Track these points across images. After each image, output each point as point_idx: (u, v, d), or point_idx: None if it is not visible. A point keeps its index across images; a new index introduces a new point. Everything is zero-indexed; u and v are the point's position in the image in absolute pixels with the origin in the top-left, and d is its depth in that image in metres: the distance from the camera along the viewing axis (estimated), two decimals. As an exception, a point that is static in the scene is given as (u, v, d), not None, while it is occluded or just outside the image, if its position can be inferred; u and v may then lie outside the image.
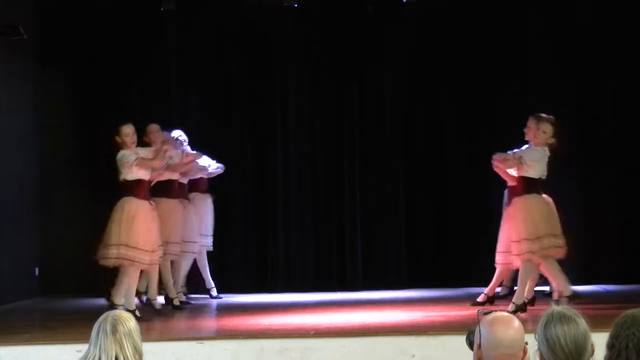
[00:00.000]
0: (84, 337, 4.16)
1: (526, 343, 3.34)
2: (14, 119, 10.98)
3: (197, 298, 10.59)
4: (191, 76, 11.74)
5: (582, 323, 3.30)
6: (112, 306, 8.58)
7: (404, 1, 11.34)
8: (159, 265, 9.30)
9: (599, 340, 3.38)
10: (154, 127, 9.79)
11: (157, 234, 9.01)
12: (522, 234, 8.67)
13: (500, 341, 3.29)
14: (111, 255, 8.77)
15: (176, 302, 9.77)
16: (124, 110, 11.66)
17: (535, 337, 3.32)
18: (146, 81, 11.69)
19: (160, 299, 9.74)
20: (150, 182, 9.27)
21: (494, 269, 11.65)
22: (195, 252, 10.43)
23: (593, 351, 3.30)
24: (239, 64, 11.69)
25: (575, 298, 8.62)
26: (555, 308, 3.34)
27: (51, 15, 11.61)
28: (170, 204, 9.88)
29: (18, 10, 10.97)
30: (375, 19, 11.53)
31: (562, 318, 3.29)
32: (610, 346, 3.38)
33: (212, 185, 11.02)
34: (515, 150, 9.04)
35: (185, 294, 10.34)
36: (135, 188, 8.98)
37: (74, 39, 11.55)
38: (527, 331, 3.33)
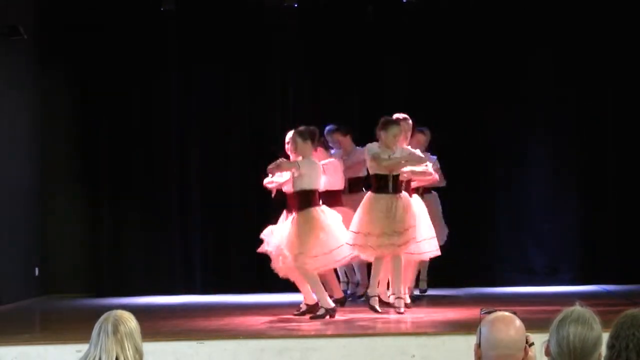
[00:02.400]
0: (84, 337, 4.16)
1: (532, 344, 3.33)
2: (14, 119, 10.98)
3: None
4: (191, 76, 11.74)
5: (598, 329, 3.29)
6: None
7: (404, 1, 11.34)
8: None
9: (599, 341, 3.38)
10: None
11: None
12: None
13: (499, 341, 3.29)
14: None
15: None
16: (124, 111, 11.70)
17: (549, 329, 3.32)
18: (146, 81, 11.69)
19: None
20: None
21: (494, 269, 11.70)
22: None
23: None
24: (239, 64, 11.69)
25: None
26: (577, 308, 3.33)
27: (51, 15, 11.61)
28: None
29: (18, 10, 10.97)
30: (375, 19, 11.53)
31: (579, 318, 3.29)
32: (610, 346, 3.38)
33: (212, 185, 11.01)
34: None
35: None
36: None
37: (74, 39, 11.55)
38: (534, 330, 3.33)
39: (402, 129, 8.93)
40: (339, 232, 8.81)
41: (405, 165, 8.91)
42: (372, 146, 8.85)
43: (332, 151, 9.91)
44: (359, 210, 8.84)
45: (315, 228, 8.68)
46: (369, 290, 8.98)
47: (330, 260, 8.78)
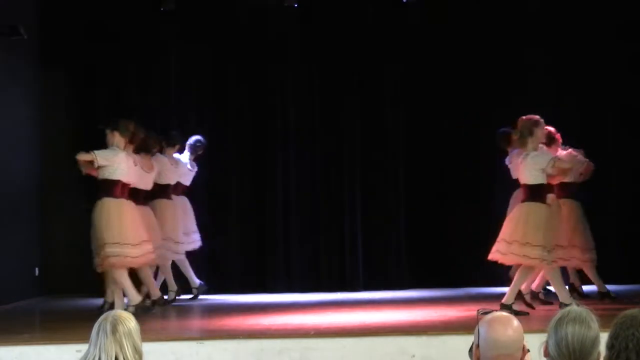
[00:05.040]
0: (84, 337, 4.16)
1: (528, 350, 3.33)
2: (14, 119, 10.98)
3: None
4: (191, 76, 11.74)
5: (595, 329, 3.30)
6: None
7: (404, 1, 11.34)
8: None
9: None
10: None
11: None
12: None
13: (497, 342, 3.28)
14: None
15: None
16: (124, 111, 11.69)
17: (547, 329, 3.33)
18: (146, 81, 11.69)
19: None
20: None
21: (495, 269, 11.70)
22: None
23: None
24: (238, 64, 11.69)
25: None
26: (574, 307, 3.35)
27: (52, 16, 11.62)
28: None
29: (19, 10, 10.98)
30: (375, 19, 11.54)
31: (577, 318, 3.29)
32: (610, 346, 3.38)
33: (211, 185, 11.05)
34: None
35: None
36: None
37: (74, 40, 11.56)
38: (534, 330, 3.33)
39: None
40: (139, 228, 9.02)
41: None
42: (540, 154, 8.61)
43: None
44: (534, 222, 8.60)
45: (115, 217, 8.87)
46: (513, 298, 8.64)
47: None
